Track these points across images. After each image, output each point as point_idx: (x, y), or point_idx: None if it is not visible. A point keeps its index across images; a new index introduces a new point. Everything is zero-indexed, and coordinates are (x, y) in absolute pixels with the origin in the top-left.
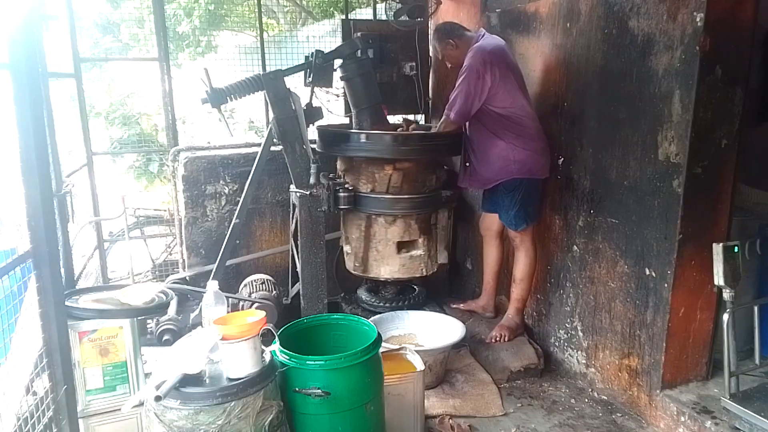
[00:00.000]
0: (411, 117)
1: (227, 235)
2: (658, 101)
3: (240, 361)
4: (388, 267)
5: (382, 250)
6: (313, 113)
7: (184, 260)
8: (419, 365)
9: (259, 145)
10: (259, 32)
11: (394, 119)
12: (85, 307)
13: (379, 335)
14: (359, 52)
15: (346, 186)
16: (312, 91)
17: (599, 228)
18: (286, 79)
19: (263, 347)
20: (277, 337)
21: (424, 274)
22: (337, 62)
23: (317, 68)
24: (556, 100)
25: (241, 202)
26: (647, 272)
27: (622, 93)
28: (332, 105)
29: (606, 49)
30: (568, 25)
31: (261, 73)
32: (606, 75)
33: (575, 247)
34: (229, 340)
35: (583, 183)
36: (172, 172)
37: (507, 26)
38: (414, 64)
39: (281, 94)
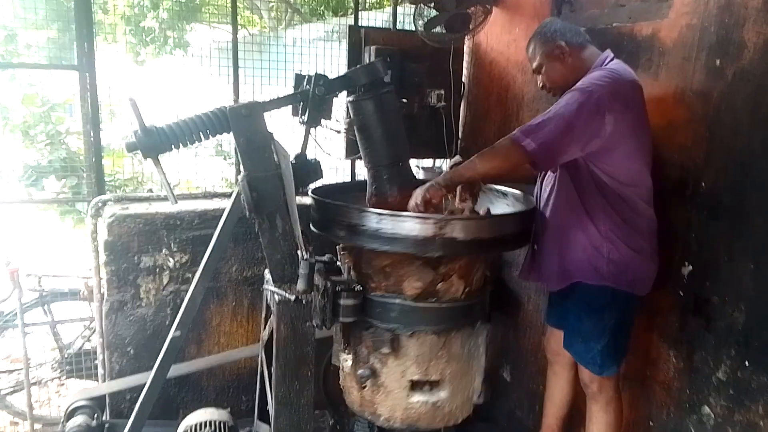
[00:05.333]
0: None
1: (161, 354)
2: None
3: None
4: (393, 408)
5: (386, 382)
6: (306, 171)
7: (104, 363)
8: None
9: (225, 195)
10: (233, 29)
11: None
12: None
13: None
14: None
15: (353, 287)
16: (306, 136)
17: (761, 392)
18: (266, 115)
19: None
20: None
21: (450, 424)
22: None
23: (317, 102)
24: (684, 175)
25: (186, 302)
26: None
27: None
28: (327, 140)
29: None
30: (719, 62)
31: (227, 106)
32: None
33: (707, 409)
34: None
35: (730, 313)
36: (92, 232)
37: None
38: (443, 92)
39: (257, 141)
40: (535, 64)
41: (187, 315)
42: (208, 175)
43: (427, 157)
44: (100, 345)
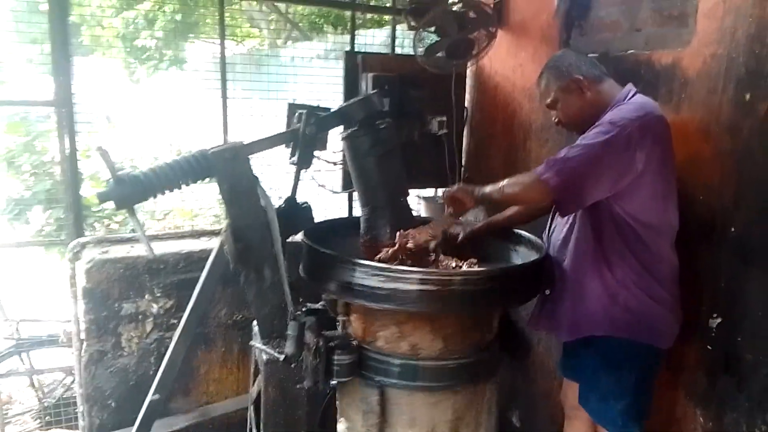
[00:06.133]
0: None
1: (139, 419)
2: None
3: None
4: None
5: None
6: (297, 216)
7: (84, 416)
8: None
9: (213, 233)
10: (221, 45)
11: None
12: None
13: None
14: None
15: (349, 342)
16: (297, 177)
17: None
18: (252, 158)
19: None
20: None
21: None
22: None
23: (308, 141)
24: (711, 217)
25: (165, 362)
26: None
27: None
28: (322, 172)
29: None
30: (749, 96)
31: (208, 149)
32: None
33: None
34: None
35: (765, 372)
36: (71, 277)
37: None
38: (445, 119)
39: (243, 187)
40: (549, 100)
41: (167, 376)
42: (201, 197)
43: (429, 187)
44: (80, 396)
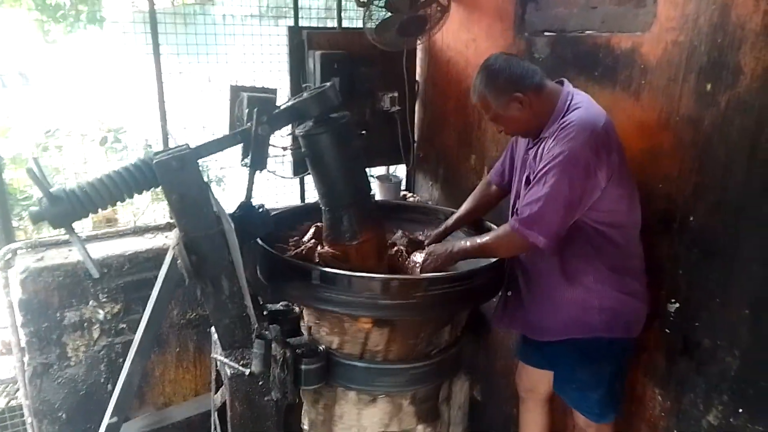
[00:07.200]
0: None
1: None
2: None
3: None
4: None
5: None
6: (253, 222)
7: (32, 429)
8: None
9: (157, 229)
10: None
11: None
12: None
13: None
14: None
15: (317, 348)
16: (251, 181)
17: None
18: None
19: None
20: None
21: None
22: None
23: (261, 142)
24: (671, 208)
25: (120, 384)
26: None
27: None
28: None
29: None
30: (710, 87)
31: (152, 157)
32: None
33: None
34: None
35: (722, 357)
36: (4, 286)
37: (564, 63)
38: (396, 95)
39: (193, 196)
40: (489, 115)
41: (124, 398)
42: None
43: (381, 165)
44: (27, 408)
